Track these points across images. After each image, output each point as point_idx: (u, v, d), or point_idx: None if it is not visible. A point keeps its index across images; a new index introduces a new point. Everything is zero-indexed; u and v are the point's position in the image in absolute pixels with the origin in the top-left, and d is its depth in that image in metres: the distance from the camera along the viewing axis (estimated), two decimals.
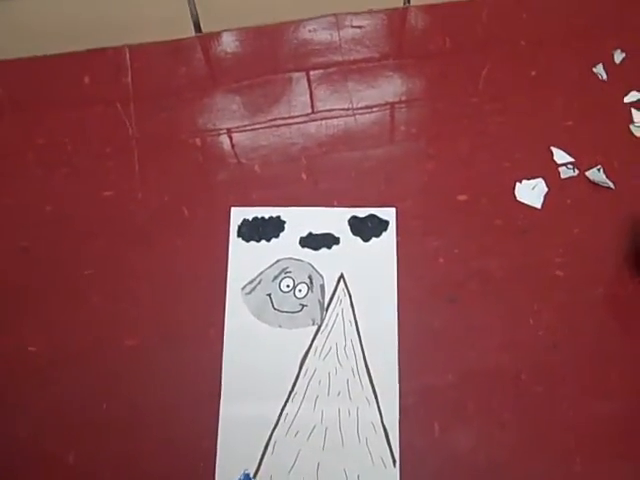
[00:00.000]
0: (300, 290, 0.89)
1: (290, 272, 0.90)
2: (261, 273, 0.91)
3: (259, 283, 0.89)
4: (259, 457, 0.82)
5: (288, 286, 0.88)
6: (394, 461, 0.81)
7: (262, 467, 0.82)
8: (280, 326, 0.86)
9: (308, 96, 0.98)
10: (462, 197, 0.93)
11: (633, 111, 0.96)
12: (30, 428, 0.85)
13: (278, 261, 0.92)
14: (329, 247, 0.89)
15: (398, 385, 0.85)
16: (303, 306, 0.88)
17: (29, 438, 0.84)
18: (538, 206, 0.91)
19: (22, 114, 0.99)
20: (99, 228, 0.91)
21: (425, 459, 0.82)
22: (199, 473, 0.81)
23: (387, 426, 0.83)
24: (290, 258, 0.91)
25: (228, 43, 1.03)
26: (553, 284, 0.89)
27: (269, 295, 0.90)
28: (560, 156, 0.93)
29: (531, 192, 0.91)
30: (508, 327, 0.87)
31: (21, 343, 0.87)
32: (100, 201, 0.92)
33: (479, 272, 0.89)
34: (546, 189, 0.92)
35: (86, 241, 0.91)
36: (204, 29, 1.02)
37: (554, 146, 0.94)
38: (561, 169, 0.93)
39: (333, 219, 0.90)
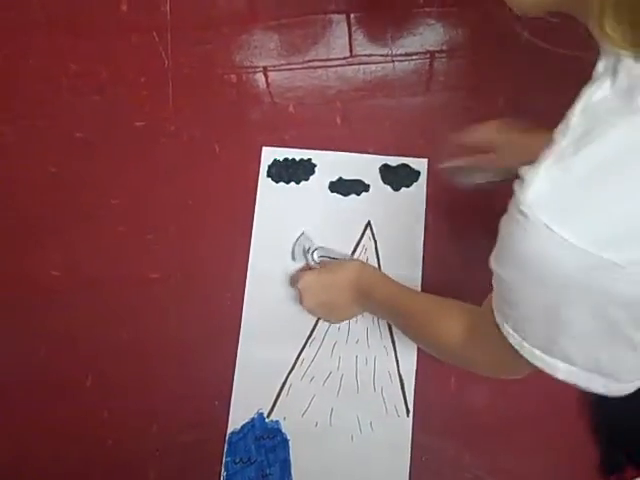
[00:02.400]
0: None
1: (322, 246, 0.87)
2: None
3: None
4: (274, 399, 0.81)
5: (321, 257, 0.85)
6: (408, 411, 0.79)
7: (276, 408, 0.80)
8: (309, 264, 0.83)
9: (347, 39, 0.94)
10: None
11: None
12: (50, 351, 0.84)
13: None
14: (358, 194, 0.86)
15: None
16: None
17: (49, 360, 0.84)
18: None
19: (58, 39, 0.95)
20: (129, 158, 0.88)
21: (439, 412, 0.80)
22: (213, 411, 0.79)
23: (403, 376, 0.81)
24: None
25: None
26: None
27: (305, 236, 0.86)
28: None
29: None
30: None
31: (45, 267, 0.85)
32: (131, 131, 0.89)
33: None
34: None
35: (115, 170, 0.88)
36: None
37: None
38: None
39: (364, 166, 0.87)
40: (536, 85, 0.91)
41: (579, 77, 0.84)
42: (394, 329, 0.82)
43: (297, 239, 0.85)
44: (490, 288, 0.51)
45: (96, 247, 0.86)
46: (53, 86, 0.93)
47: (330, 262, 0.84)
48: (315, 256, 0.84)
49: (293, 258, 0.84)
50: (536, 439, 0.79)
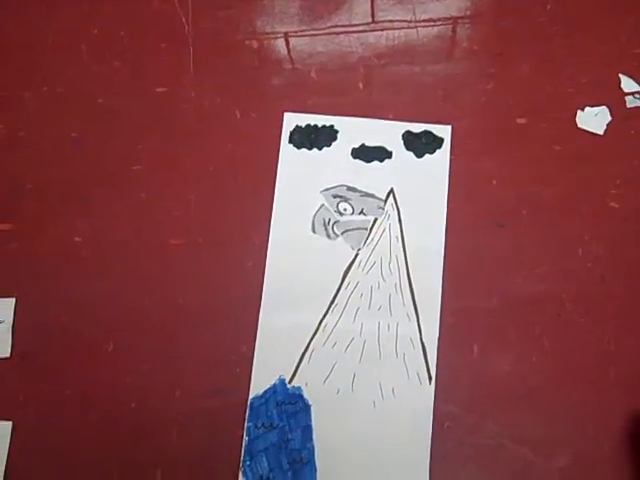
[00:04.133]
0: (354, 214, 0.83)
1: (350, 200, 0.83)
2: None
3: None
4: (295, 365, 0.79)
5: (345, 209, 0.82)
6: (430, 378, 0.78)
7: (298, 374, 0.79)
8: (329, 237, 0.81)
9: (369, 5, 0.92)
10: (521, 120, 0.87)
11: None
12: (72, 316, 0.84)
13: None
14: (381, 160, 0.84)
15: (440, 304, 0.80)
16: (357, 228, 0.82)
17: (70, 325, 0.83)
18: (600, 133, 0.83)
19: (78, 4, 0.94)
20: (150, 124, 0.87)
21: (461, 379, 0.79)
22: (235, 376, 0.78)
23: (426, 343, 0.80)
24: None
25: None
26: (607, 216, 0.84)
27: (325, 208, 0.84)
28: (628, 84, 0.86)
29: (593, 119, 0.84)
30: (556, 256, 0.82)
31: (67, 233, 0.84)
32: (152, 97, 0.88)
33: (532, 198, 0.84)
34: (609, 117, 0.85)
35: (136, 136, 0.87)
36: None
37: (622, 73, 0.86)
38: (627, 98, 0.86)
39: (387, 132, 0.85)
40: (560, 50, 0.88)
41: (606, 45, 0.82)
42: (417, 295, 0.79)
43: (317, 211, 0.82)
44: None
45: (117, 213, 0.84)
46: (74, 52, 0.92)
47: (352, 234, 0.81)
48: (336, 229, 0.81)
49: (313, 230, 0.82)
50: (560, 406, 0.79)
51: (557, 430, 0.77)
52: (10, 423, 0.78)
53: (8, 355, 0.80)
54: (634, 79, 0.87)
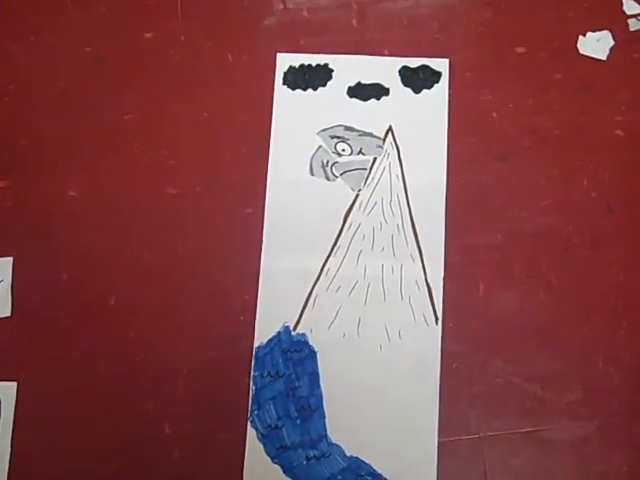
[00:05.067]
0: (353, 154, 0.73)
1: (348, 140, 0.72)
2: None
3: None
4: (299, 311, 0.71)
5: (344, 150, 0.70)
6: (436, 319, 0.68)
7: (302, 321, 0.71)
8: (328, 179, 0.69)
9: None
10: (520, 49, 0.77)
11: None
12: (71, 272, 0.76)
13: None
14: (378, 98, 0.72)
15: (444, 243, 0.72)
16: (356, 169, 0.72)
17: (71, 280, 0.76)
18: (603, 58, 0.69)
19: None
20: (140, 71, 0.79)
21: (468, 318, 0.72)
22: (239, 325, 0.70)
23: (431, 283, 0.71)
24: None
25: None
26: (612, 144, 0.75)
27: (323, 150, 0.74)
28: (630, 6, 0.76)
29: (595, 44, 0.71)
30: (560, 188, 0.73)
31: (61, 188, 0.77)
32: (140, 43, 0.79)
33: (534, 129, 0.74)
34: (612, 42, 0.74)
35: (126, 84, 0.79)
36: None
37: None
38: (630, 21, 0.76)
39: (383, 69, 0.75)
40: None
41: None
42: (420, 235, 0.67)
43: (314, 153, 0.71)
44: None
45: (111, 164, 0.76)
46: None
47: (351, 175, 0.69)
48: (334, 170, 0.69)
49: (311, 173, 0.70)
50: (569, 341, 0.73)
51: (566, 365, 0.71)
52: (15, 384, 0.68)
53: (9, 314, 0.73)
54: (637, 0, 0.72)
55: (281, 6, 0.82)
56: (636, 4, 0.78)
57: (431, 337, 0.72)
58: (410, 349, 0.72)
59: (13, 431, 0.71)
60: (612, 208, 0.74)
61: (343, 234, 0.75)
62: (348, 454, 0.71)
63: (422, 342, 0.72)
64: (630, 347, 0.71)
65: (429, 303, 0.73)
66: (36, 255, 0.76)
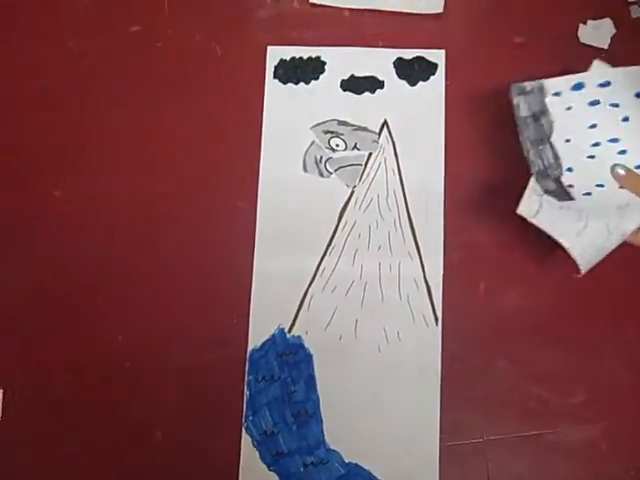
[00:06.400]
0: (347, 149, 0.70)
1: (342, 134, 0.69)
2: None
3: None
4: (294, 313, 0.68)
5: (337, 145, 0.67)
6: (436, 319, 0.65)
7: (297, 323, 0.68)
8: (322, 175, 0.65)
9: None
10: (519, 39, 0.75)
11: None
12: (58, 274, 0.72)
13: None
14: (372, 91, 0.69)
15: (443, 240, 0.68)
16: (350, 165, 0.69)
17: (57, 284, 0.72)
18: (604, 47, 0.66)
19: None
20: (126, 67, 0.76)
21: (468, 318, 0.70)
22: (232, 327, 0.67)
23: (430, 282, 0.67)
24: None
25: None
26: None
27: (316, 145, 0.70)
28: None
29: (596, 32, 0.67)
30: None
31: (46, 188, 0.74)
32: (126, 37, 0.75)
33: None
34: (614, 30, 0.70)
35: (112, 80, 0.77)
36: None
37: None
38: (632, 8, 0.73)
39: (377, 61, 0.72)
40: None
41: None
42: (418, 232, 0.64)
43: (307, 148, 0.67)
44: None
45: (97, 163, 0.73)
46: None
47: (346, 171, 0.66)
48: (328, 167, 0.65)
49: (305, 169, 0.66)
50: (572, 338, 0.70)
51: (572, 365, 0.68)
52: (0, 391, 0.63)
53: None
54: None
55: None
56: None
57: (431, 338, 0.69)
58: (410, 351, 0.69)
59: None
60: None
61: (338, 232, 0.72)
62: (347, 460, 0.68)
63: (422, 343, 0.69)
64: (637, 347, 0.68)
65: (428, 302, 0.70)
66: (21, 258, 0.72)
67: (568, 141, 0.66)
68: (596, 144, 0.65)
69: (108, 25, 0.77)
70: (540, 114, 0.66)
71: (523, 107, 0.66)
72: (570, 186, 0.65)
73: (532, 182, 0.65)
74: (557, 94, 0.65)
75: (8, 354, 0.71)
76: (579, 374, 0.68)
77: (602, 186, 0.64)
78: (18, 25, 0.78)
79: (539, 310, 0.69)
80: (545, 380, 0.68)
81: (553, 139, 0.65)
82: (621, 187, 0.63)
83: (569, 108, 0.65)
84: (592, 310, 0.69)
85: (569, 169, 0.65)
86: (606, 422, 0.67)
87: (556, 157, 0.65)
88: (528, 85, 0.65)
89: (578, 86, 0.64)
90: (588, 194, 0.64)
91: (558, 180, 0.65)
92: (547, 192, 0.64)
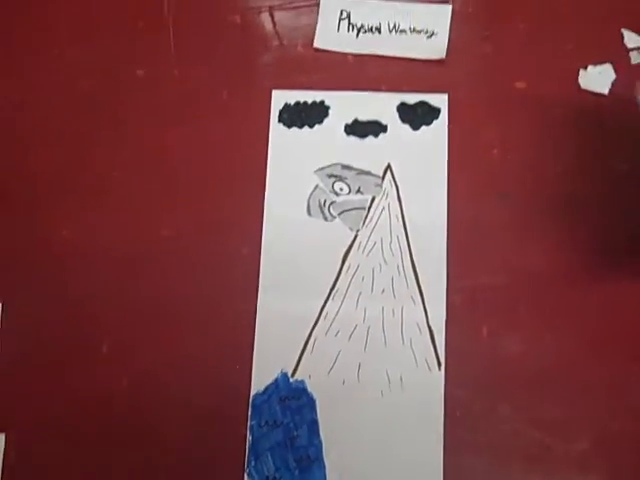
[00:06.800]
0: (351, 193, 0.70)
1: (346, 178, 0.69)
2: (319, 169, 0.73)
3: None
4: (297, 357, 0.68)
5: (341, 189, 0.67)
6: (439, 364, 0.65)
7: (300, 367, 0.68)
8: (325, 219, 0.66)
9: None
10: (520, 84, 0.75)
11: None
12: (62, 317, 0.72)
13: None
14: (376, 135, 0.69)
15: (446, 284, 0.69)
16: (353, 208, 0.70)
17: (62, 327, 0.72)
18: (605, 92, 0.67)
19: None
20: (132, 109, 0.77)
21: (472, 363, 0.69)
22: (235, 373, 0.67)
23: (433, 327, 0.67)
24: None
25: None
26: (614, 179, 0.69)
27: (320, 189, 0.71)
28: (632, 39, 0.73)
29: (597, 78, 0.68)
30: (566, 226, 0.65)
31: (55, 229, 0.74)
32: (132, 80, 0.77)
33: (536, 165, 0.69)
34: (614, 76, 0.71)
35: (117, 123, 0.76)
36: None
37: (625, 28, 0.73)
38: (632, 54, 0.71)
39: (381, 105, 0.72)
40: (559, 6, 0.73)
41: None
42: (421, 276, 0.64)
43: (311, 192, 0.68)
44: None
45: (104, 205, 0.72)
46: (47, 35, 0.75)
47: (349, 214, 0.66)
48: (332, 210, 0.66)
49: (309, 213, 0.66)
50: (575, 387, 0.69)
51: (575, 411, 0.68)
52: (3, 435, 0.63)
53: None
54: (638, 34, 0.70)
55: (277, 42, 0.79)
56: (637, 37, 0.76)
57: (434, 383, 0.69)
58: (412, 396, 0.69)
59: None
60: None
61: (342, 276, 0.72)
62: None
63: (425, 388, 0.69)
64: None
65: (431, 347, 0.70)
66: (25, 299, 0.72)
67: None
68: None
69: (114, 68, 0.78)
70: None
71: None
72: None
73: None
74: None
75: (11, 397, 0.70)
76: (583, 420, 0.67)
77: None
78: (29, 68, 0.79)
79: (542, 355, 0.69)
80: (548, 426, 0.67)
81: None
82: None
83: None
84: (596, 356, 0.69)
85: None
86: (610, 469, 0.67)
87: None
88: None
89: None
90: None
91: None
92: None
